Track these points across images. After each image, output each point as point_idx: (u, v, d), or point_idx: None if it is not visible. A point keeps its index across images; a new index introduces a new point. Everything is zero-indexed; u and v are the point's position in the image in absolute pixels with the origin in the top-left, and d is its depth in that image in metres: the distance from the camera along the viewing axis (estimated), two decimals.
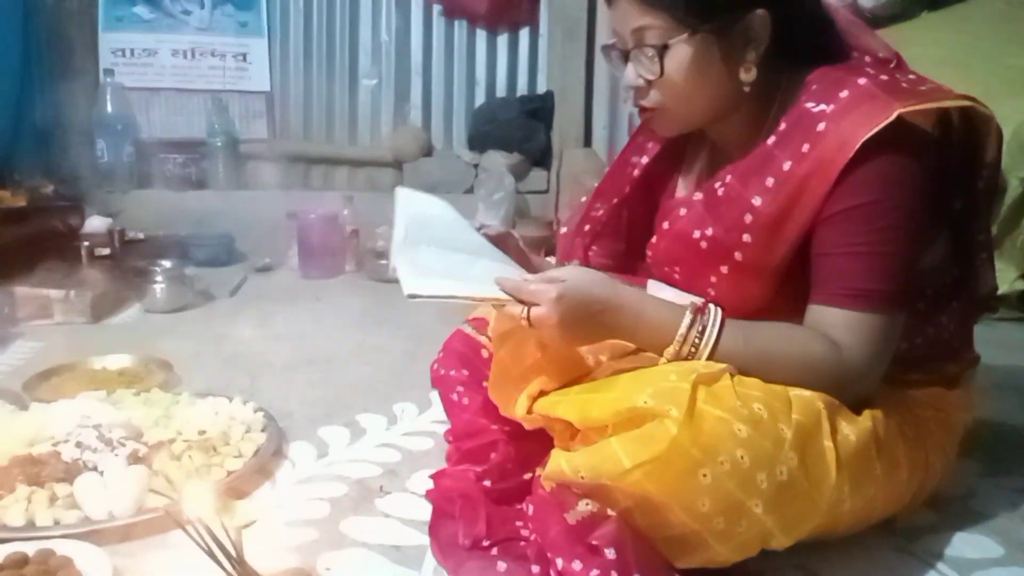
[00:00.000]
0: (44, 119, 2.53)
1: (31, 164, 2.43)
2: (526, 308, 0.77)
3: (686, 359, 0.78)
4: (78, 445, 1.02)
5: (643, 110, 0.89)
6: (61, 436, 1.05)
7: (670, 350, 0.78)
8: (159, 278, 1.97)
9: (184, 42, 2.86)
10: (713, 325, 0.78)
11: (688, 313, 0.78)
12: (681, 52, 0.82)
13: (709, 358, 0.78)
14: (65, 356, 1.50)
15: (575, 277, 0.79)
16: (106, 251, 2.12)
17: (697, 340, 0.78)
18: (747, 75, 0.84)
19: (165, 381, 1.39)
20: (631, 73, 0.86)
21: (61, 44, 2.70)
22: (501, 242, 0.97)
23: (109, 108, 2.70)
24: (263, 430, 1.16)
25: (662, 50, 0.82)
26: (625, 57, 0.86)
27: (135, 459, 1.01)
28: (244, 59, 2.91)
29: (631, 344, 0.87)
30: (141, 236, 2.36)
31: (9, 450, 1.03)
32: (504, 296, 0.79)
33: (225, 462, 1.04)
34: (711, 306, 0.80)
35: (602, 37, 2.92)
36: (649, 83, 0.85)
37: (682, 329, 0.78)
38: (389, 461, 1.14)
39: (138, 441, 1.07)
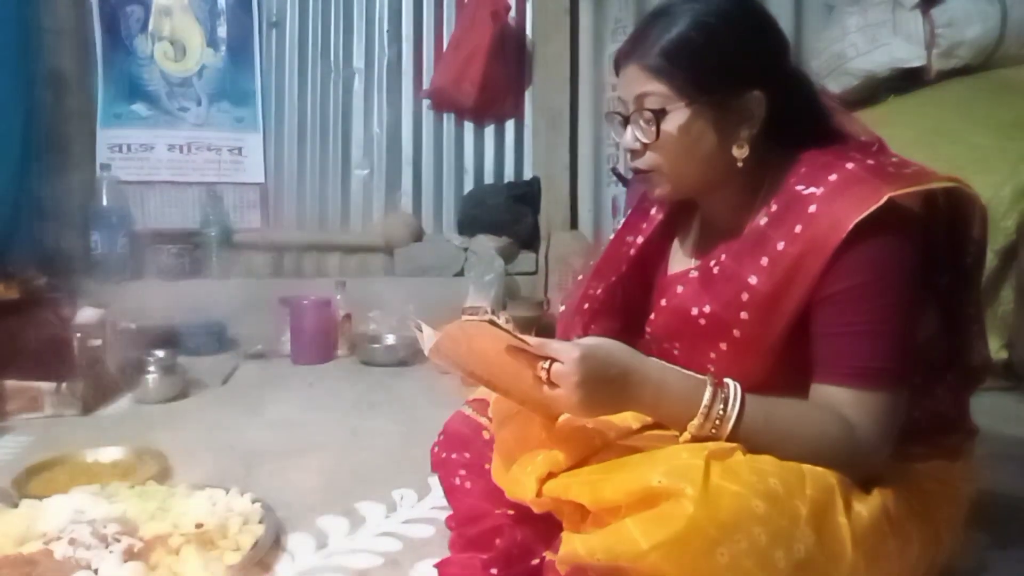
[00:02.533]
0: (41, 213, 2.56)
1: (26, 257, 2.44)
2: (548, 362, 0.77)
3: (709, 434, 0.78)
4: (71, 542, 0.99)
5: (638, 172, 0.93)
6: (53, 533, 1.02)
7: (694, 423, 0.78)
8: (151, 368, 1.96)
9: (180, 137, 2.93)
10: (735, 399, 0.79)
11: (709, 385, 0.79)
12: (677, 119, 0.87)
13: (732, 432, 0.78)
14: (56, 449, 1.47)
15: (598, 341, 0.80)
16: (98, 342, 2.10)
17: (721, 412, 0.78)
18: (739, 151, 0.88)
19: (160, 473, 1.36)
20: (629, 136, 0.90)
21: (60, 140, 2.76)
22: None
23: (104, 201, 2.75)
24: (261, 521, 1.14)
25: (660, 115, 0.87)
26: (626, 121, 0.91)
27: (130, 555, 0.98)
28: (239, 152, 2.98)
29: (636, 424, 0.87)
30: (133, 326, 2.35)
31: None
32: (526, 343, 0.78)
33: (224, 556, 1.02)
34: (728, 380, 0.80)
35: (584, 127, 3.04)
36: (645, 146, 0.89)
37: (706, 400, 0.78)
38: (390, 550, 1.11)
39: (133, 536, 1.04)
